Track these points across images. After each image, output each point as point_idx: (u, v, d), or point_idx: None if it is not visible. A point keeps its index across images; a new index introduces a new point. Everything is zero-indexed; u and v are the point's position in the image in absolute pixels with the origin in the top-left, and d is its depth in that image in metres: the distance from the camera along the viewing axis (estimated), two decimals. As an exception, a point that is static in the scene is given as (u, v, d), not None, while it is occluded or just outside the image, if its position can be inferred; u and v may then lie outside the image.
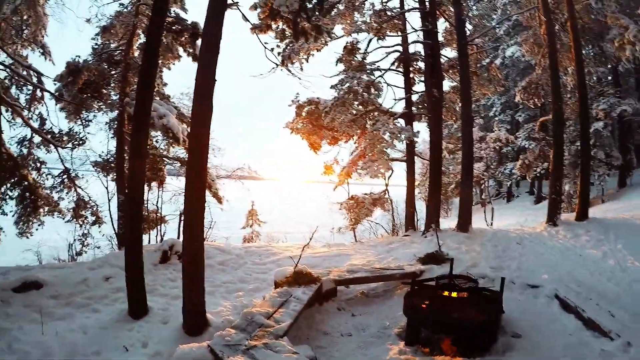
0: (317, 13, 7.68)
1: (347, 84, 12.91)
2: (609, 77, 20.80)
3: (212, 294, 8.32)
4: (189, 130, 11.94)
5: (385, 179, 14.73)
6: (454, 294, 6.38)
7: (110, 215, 12.15)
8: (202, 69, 7.18)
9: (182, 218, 7.20)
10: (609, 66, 18.31)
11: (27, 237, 11.69)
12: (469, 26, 15.13)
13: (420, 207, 15.44)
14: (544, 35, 13.08)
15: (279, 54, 7.94)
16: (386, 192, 14.49)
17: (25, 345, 5.92)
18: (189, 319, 6.47)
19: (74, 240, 11.69)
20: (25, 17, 11.63)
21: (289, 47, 12.75)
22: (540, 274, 8.80)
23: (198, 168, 6.89)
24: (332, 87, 13.41)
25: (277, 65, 7.95)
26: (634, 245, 10.16)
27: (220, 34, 7.24)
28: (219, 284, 9.18)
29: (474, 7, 15.03)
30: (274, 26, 7.88)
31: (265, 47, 8.01)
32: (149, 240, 12.85)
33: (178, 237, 13.27)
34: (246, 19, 7.89)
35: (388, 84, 14.27)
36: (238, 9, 7.89)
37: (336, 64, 13.74)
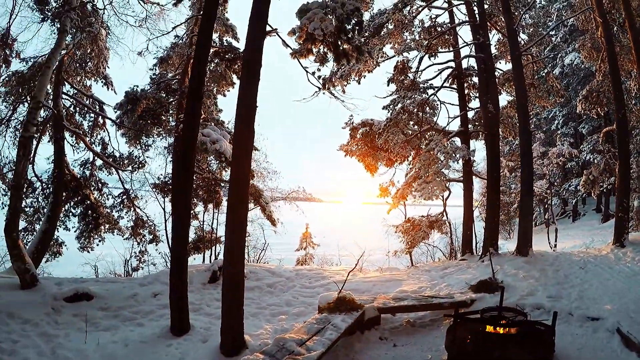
0: (356, 34, 7.24)
1: (400, 104, 12.35)
2: None
3: (256, 316, 8.41)
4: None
5: (442, 199, 13.98)
6: (501, 330, 5.68)
7: (167, 234, 12.36)
8: (243, 97, 7.06)
9: (226, 243, 6.99)
10: None
11: (88, 252, 12.37)
12: (523, 36, 14.11)
13: (480, 229, 14.58)
14: (601, 38, 11.91)
15: (319, 77, 7.58)
16: (443, 214, 13.69)
17: (67, 352, 6.12)
18: (226, 340, 6.42)
19: (130, 256, 11.98)
20: (88, 51, 12.04)
21: (338, 70, 12.48)
22: (603, 304, 7.86)
23: (239, 192, 6.83)
24: (384, 107, 12.94)
25: (319, 89, 7.61)
26: None
27: (259, 60, 7.16)
28: (264, 306, 9.11)
29: (527, 16, 13.85)
30: (314, 50, 7.55)
31: (307, 71, 7.73)
32: (204, 260, 13.01)
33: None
34: (286, 45, 7.65)
35: (441, 102, 13.60)
36: (277, 35, 7.68)
37: (387, 85, 13.25)
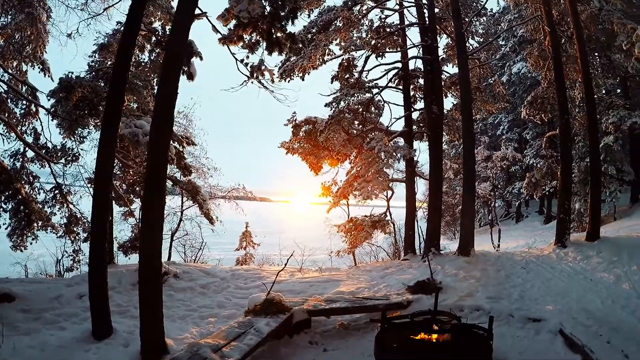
0: (290, 22, 6.53)
1: (342, 102, 11.66)
2: (618, 90, 18.74)
3: (184, 318, 7.75)
4: (178, 147, 11.11)
5: (386, 199, 13.34)
6: (434, 336, 4.97)
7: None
8: (164, 82, 6.33)
9: (140, 240, 6.21)
10: (618, 79, 16.44)
11: (22, 251, 10.94)
12: (472, 42, 13.71)
13: (425, 229, 14.03)
14: (549, 47, 11.56)
15: (246, 65, 6.82)
16: (386, 214, 12.98)
17: None
18: (145, 345, 5.84)
19: (62, 256, 10.80)
20: (28, 33, 10.87)
21: (288, 63, 11.70)
22: (545, 304, 7.40)
23: (154, 185, 6.08)
24: (326, 105, 12.17)
25: (247, 77, 6.84)
26: None
27: (184, 44, 6.52)
28: (195, 308, 8.36)
29: (478, 23, 13.50)
30: (245, 37, 6.77)
31: (236, 59, 6.96)
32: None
33: (169, 257, 12.32)
34: (216, 30, 6.90)
35: (385, 102, 12.96)
36: (207, 18, 6.92)
37: (331, 82, 12.49)
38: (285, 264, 8.43)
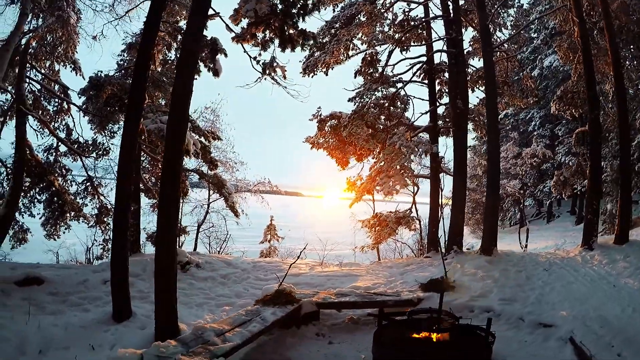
0: (301, 18, 6.50)
1: (366, 97, 11.47)
2: None
3: (201, 306, 7.99)
4: (204, 142, 11.29)
5: (411, 194, 13.10)
6: (433, 335, 4.86)
7: (129, 223, 11.48)
8: (179, 78, 6.45)
9: (157, 231, 6.41)
10: None
11: (54, 239, 11.63)
12: (500, 35, 13.21)
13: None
14: (578, 39, 10.96)
15: (257, 61, 6.86)
16: (411, 210, 12.75)
17: (7, 332, 5.87)
18: (159, 328, 6.03)
19: (92, 244, 11.20)
20: (59, 34, 11.29)
21: (311, 59, 11.63)
22: (562, 309, 6.99)
23: (172, 179, 6.27)
24: (349, 100, 12.01)
25: (261, 74, 6.87)
26: None
27: (199, 43, 6.69)
28: (213, 296, 8.59)
29: (505, 14, 12.97)
30: (259, 35, 6.80)
31: (250, 56, 7.00)
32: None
33: (195, 248, 12.58)
34: (229, 29, 6.93)
35: (408, 97, 12.63)
36: (221, 18, 7.00)
37: (355, 77, 12.28)
38: (298, 257, 8.49)
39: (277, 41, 6.77)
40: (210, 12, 6.67)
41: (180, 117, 6.38)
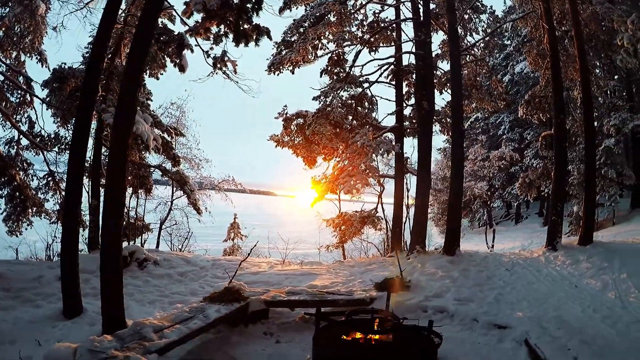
0: (255, 13, 6.29)
1: (330, 96, 11.25)
2: (624, 93, 17.67)
3: (154, 303, 7.67)
4: (167, 138, 10.98)
5: (377, 194, 12.92)
6: (376, 337, 4.61)
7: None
8: (128, 73, 6.16)
9: (102, 227, 6.14)
10: (621, 80, 15.50)
11: (17, 236, 11.04)
12: (471, 39, 13.12)
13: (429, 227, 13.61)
14: (547, 45, 10.91)
15: (208, 55, 6.64)
16: (376, 210, 12.51)
17: None
18: (106, 324, 5.83)
19: (52, 241, 10.76)
20: (27, 25, 10.90)
21: (277, 57, 11.42)
22: (520, 309, 6.79)
23: (116, 172, 6.06)
24: (314, 98, 11.71)
25: (213, 69, 6.65)
26: None
27: (150, 35, 6.33)
28: (168, 294, 8.20)
29: (477, 20, 12.90)
30: (213, 29, 6.57)
31: (203, 50, 6.78)
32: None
33: (157, 246, 12.22)
34: (184, 23, 6.69)
35: (373, 96, 12.36)
36: (175, 12, 6.74)
37: (320, 76, 12.01)
38: (249, 254, 8.24)
39: (231, 36, 6.57)
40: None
41: (126, 109, 6.08)
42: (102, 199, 10.69)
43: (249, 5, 6.37)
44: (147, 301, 7.71)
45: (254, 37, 6.48)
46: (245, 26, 6.49)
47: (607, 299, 7.12)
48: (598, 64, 13.90)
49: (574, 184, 14.60)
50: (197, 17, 6.64)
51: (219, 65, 6.63)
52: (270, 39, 6.50)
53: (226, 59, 6.61)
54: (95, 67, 7.02)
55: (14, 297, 7.17)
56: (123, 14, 10.99)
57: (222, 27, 6.55)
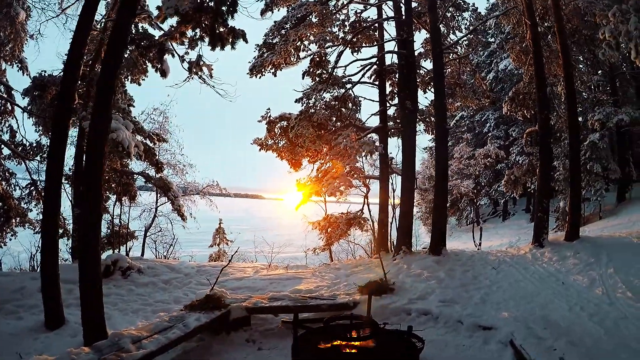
0: (230, 16, 6.21)
1: (313, 98, 11.12)
2: (608, 87, 17.67)
3: (137, 312, 7.53)
4: (149, 144, 10.85)
5: (363, 195, 12.81)
6: (357, 343, 4.52)
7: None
8: (102, 77, 6.04)
9: (79, 237, 6.07)
10: (605, 75, 15.50)
11: (1, 247, 10.92)
12: (454, 37, 13.03)
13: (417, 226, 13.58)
14: (530, 41, 10.84)
15: (183, 60, 6.55)
16: (362, 211, 12.38)
17: None
18: (87, 335, 5.74)
19: (36, 251, 10.58)
20: (7, 33, 10.73)
21: (258, 59, 11.30)
22: (507, 309, 6.68)
23: (94, 182, 5.91)
24: (296, 101, 11.54)
25: (188, 73, 6.55)
26: (628, 269, 7.80)
27: (125, 40, 6.24)
28: (151, 302, 8.04)
29: (460, 18, 12.83)
30: (189, 33, 6.47)
31: (178, 55, 6.70)
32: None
33: (142, 254, 12.07)
34: (159, 28, 6.59)
35: (356, 97, 12.21)
36: (150, 16, 6.62)
37: (303, 78, 11.87)
38: (229, 261, 8.12)
39: (207, 39, 6.48)
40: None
41: (101, 115, 5.96)
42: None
43: (224, 8, 6.28)
44: (131, 310, 7.57)
45: (230, 40, 6.40)
46: (221, 29, 6.40)
47: (594, 296, 7.04)
48: (582, 59, 13.88)
49: (559, 180, 14.63)
50: (172, 21, 6.60)
51: (194, 70, 6.54)
52: (246, 41, 6.42)
53: (201, 63, 6.53)
54: (71, 72, 6.89)
55: (-4, 309, 7.04)
56: (103, 20, 10.91)
57: (197, 30, 6.46)
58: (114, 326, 6.08)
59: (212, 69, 6.59)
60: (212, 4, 6.29)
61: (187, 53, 6.50)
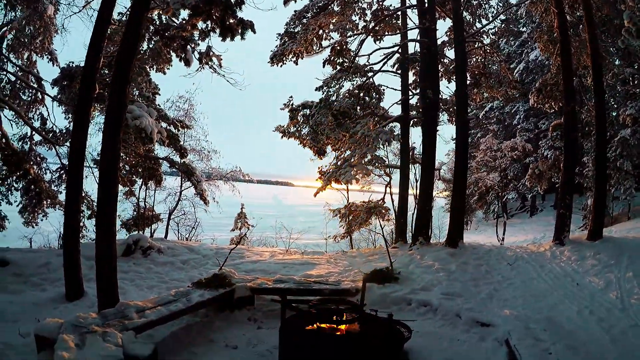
0: (239, 7, 6.39)
1: (332, 87, 11.19)
2: None
3: (152, 288, 8.01)
4: (173, 130, 11.22)
5: (386, 185, 12.79)
6: (342, 327, 4.63)
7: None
8: (116, 68, 6.37)
9: (96, 217, 6.46)
10: (636, 65, 14.66)
11: (33, 227, 11.59)
12: (479, 26, 12.72)
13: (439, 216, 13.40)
14: (557, 30, 10.46)
15: (193, 51, 6.78)
16: (384, 200, 12.35)
17: None
18: (101, 306, 6.15)
19: (64, 230, 11.21)
20: (37, 26, 11.31)
21: (278, 48, 11.44)
22: (514, 307, 6.58)
23: (110, 169, 6.36)
24: (316, 89, 11.59)
25: (199, 63, 6.79)
26: None
27: (139, 31, 6.48)
28: (167, 280, 8.51)
29: (486, 5, 12.50)
30: (200, 25, 6.72)
31: (191, 47, 6.88)
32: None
33: (165, 235, 12.55)
34: (173, 21, 6.83)
35: (377, 86, 12.05)
36: (161, 11, 6.91)
37: (323, 66, 11.88)
38: (238, 243, 8.39)
39: (218, 31, 6.71)
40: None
41: (117, 104, 6.27)
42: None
43: (232, 0, 6.45)
44: (146, 286, 8.01)
45: (239, 31, 6.57)
46: (231, 20, 6.59)
47: (608, 300, 6.74)
48: (614, 50, 13.21)
49: (588, 176, 14.08)
50: (185, 13, 6.83)
51: (204, 60, 6.77)
52: (254, 32, 6.58)
53: (211, 53, 6.76)
54: (91, 63, 7.18)
55: (24, 281, 7.63)
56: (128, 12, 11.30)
57: (208, 22, 6.68)
58: (128, 300, 6.25)
59: (222, 59, 6.83)
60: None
61: (197, 44, 6.75)
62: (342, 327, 4.57)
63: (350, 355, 4.30)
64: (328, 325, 4.56)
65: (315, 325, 4.57)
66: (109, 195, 6.34)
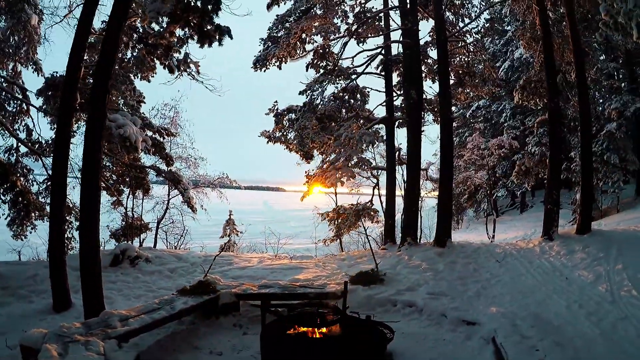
0: (215, 14, 6.43)
1: (316, 90, 11.22)
2: (625, 75, 16.85)
3: (139, 297, 7.97)
4: (158, 139, 11.21)
5: (374, 187, 12.83)
6: (324, 330, 4.64)
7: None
8: (97, 76, 6.39)
9: (79, 227, 6.49)
10: (620, 60, 14.77)
11: (22, 240, 11.42)
12: (462, 25, 12.80)
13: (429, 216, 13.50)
14: (539, 27, 10.56)
15: (175, 59, 6.80)
16: (372, 202, 12.34)
17: None
18: (87, 316, 6.13)
19: (53, 242, 11.14)
20: (22, 36, 11.27)
21: (261, 53, 11.47)
22: (500, 304, 6.54)
23: (92, 177, 6.46)
24: (300, 92, 11.58)
25: (177, 70, 6.81)
26: (638, 265, 7.34)
27: (117, 40, 6.56)
28: (154, 289, 8.48)
29: (469, 5, 12.56)
30: (179, 32, 6.74)
31: (169, 54, 6.90)
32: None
33: (154, 245, 12.50)
34: (151, 28, 6.86)
35: (364, 88, 12.21)
36: (139, 19, 6.93)
37: (306, 70, 11.91)
38: (223, 249, 8.35)
39: (196, 37, 6.71)
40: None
41: (96, 112, 6.29)
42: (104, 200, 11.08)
43: (209, 7, 6.48)
44: (133, 296, 7.97)
45: (217, 37, 6.60)
46: (208, 27, 6.62)
47: (597, 293, 6.69)
48: (597, 45, 13.31)
49: (576, 171, 14.15)
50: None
51: (182, 67, 6.79)
52: (231, 38, 6.60)
53: (189, 60, 6.78)
54: (72, 73, 7.18)
55: (11, 294, 7.57)
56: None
57: (186, 29, 6.70)
58: (115, 309, 6.30)
59: (199, 66, 6.85)
60: (199, 3, 6.53)
61: (178, 51, 6.77)
62: (323, 330, 4.57)
63: (331, 358, 4.30)
64: (309, 329, 4.55)
65: (295, 330, 4.56)
66: (90, 202, 6.40)
